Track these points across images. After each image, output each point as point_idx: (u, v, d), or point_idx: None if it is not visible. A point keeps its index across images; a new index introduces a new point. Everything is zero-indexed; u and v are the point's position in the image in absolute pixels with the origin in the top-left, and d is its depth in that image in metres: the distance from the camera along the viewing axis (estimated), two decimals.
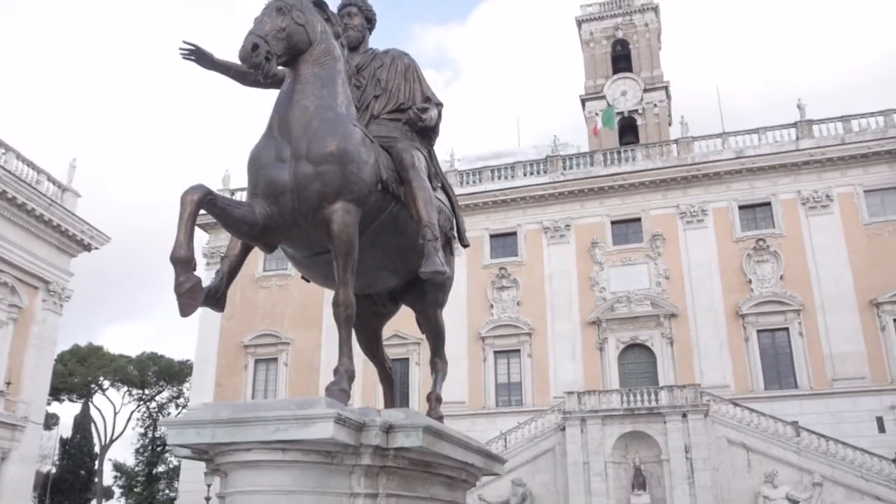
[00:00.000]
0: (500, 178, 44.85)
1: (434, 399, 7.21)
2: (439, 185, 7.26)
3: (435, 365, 7.52)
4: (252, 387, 42.82)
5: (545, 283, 41.99)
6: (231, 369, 43.24)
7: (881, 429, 35.02)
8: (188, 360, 61.78)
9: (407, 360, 42.62)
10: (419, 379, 41.96)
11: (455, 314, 41.48)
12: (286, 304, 43.86)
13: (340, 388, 5.66)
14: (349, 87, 6.48)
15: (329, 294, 6.39)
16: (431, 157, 7.16)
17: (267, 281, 44.59)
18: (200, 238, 47.33)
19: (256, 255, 44.89)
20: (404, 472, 5.51)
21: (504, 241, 43.69)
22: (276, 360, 43.25)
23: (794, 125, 41.01)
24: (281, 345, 43.33)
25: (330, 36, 6.33)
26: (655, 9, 56.73)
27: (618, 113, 51.68)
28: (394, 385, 7.72)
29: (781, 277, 38.67)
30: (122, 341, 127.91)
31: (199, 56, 6.67)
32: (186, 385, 63.31)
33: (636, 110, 53.79)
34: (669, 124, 54.60)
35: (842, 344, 36.69)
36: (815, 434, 33.08)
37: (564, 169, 43.92)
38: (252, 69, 5.75)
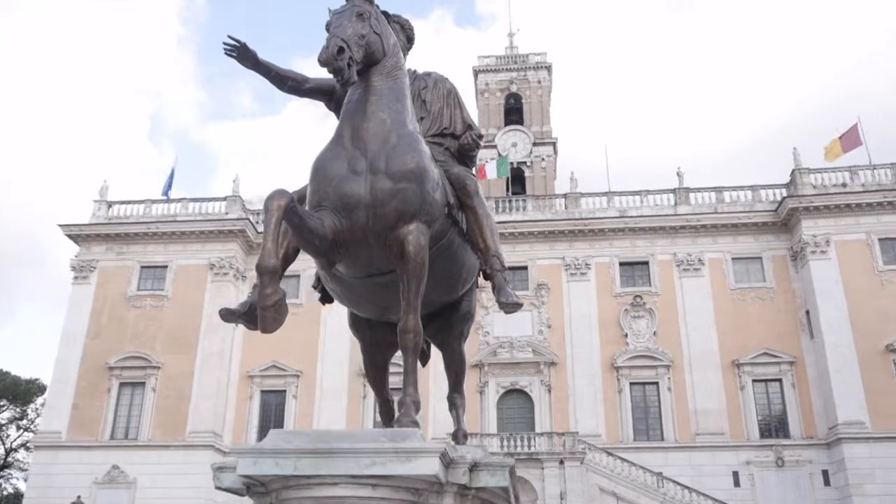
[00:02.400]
0: None
1: (462, 436, 7.05)
2: None
3: (454, 400, 7.35)
4: (115, 411, 40.10)
5: None
6: (92, 391, 40.38)
7: (736, 483, 37.20)
8: (38, 379, 57.30)
9: (284, 392, 41.54)
10: (294, 413, 40.88)
11: (339, 351, 40.92)
12: (159, 327, 41.60)
13: (412, 419, 5.44)
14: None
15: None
16: None
17: (140, 300, 42.23)
18: (70, 250, 44.44)
19: (130, 271, 42.66)
20: None
21: None
22: (143, 384, 40.78)
23: (673, 191, 43.61)
24: (150, 368, 40.97)
25: (399, 49, 6.22)
26: (549, 67, 59.18)
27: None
28: (393, 420, 7.52)
29: (655, 333, 40.66)
30: None
31: (242, 54, 6.39)
32: (33, 406, 58.48)
33: (525, 162, 55.55)
34: (555, 178, 56.73)
35: (705, 400, 38.88)
36: (679, 485, 34.82)
37: None
38: (333, 73, 5.50)
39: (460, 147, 6.85)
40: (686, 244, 42.21)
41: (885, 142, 65.82)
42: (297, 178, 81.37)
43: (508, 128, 56.95)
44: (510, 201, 45.77)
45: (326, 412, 40.26)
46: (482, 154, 56.17)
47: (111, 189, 45.03)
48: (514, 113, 58.20)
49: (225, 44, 6.31)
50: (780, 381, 39.19)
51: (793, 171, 41.72)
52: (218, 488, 5.21)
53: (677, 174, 44.13)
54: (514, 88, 58.46)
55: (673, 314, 40.94)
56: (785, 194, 41.32)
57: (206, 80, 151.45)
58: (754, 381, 39.39)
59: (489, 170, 46.85)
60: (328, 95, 6.84)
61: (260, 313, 5.13)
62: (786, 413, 38.74)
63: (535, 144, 56.02)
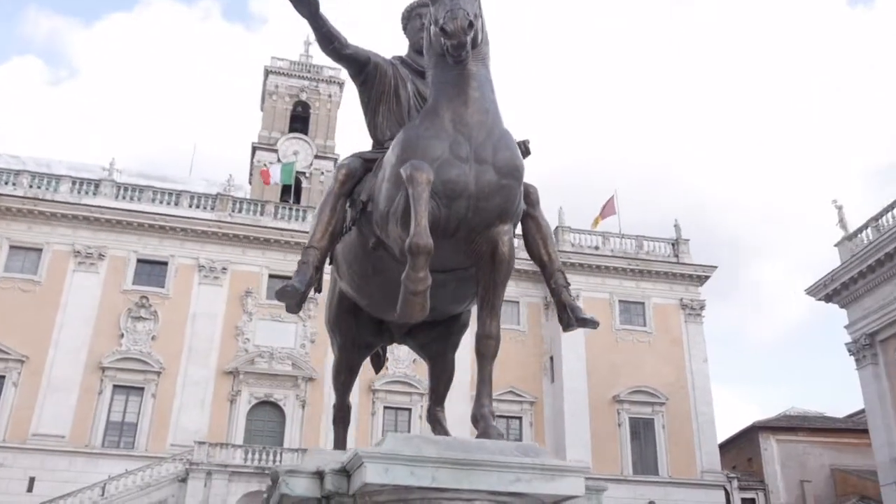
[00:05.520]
0: (162, 202, 41.83)
1: None
2: None
3: (437, 416, 6.95)
4: None
5: (188, 322, 39.59)
6: None
7: None
8: None
9: (3, 377, 36.60)
10: (12, 403, 36.09)
11: (77, 337, 37.18)
12: (26, 316, 36.49)
13: (499, 431, 5.01)
14: None
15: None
16: None
17: (8, 282, 36.69)
18: None
19: None
20: None
21: (151, 270, 40.42)
22: (2, 378, 35.83)
23: None
24: (12, 361, 36.03)
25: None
26: (341, 84, 59.01)
27: None
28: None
29: (414, 361, 41.34)
30: None
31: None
32: None
33: (304, 173, 54.57)
34: None
35: (452, 431, 40.27)
36: None
37: (233, 211, 42.64)
38: (454, 47, 5.02)
39: None
40: None
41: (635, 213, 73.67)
42: None
43: (293, 135, 55.79)
44: (291, 209, 44.69)
45: (51, 406, 35.98)
46: (262, 156, 54.69)
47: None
48: (299, 121, 57.18)
49: None
50: (520, 418, 41.90)
51: (556, 227, 45.31)
52: (284, 495, 4.38)
53: None
54: (303, 97, 57.51)
55: None
56: None
57: None
58: (498, 416, 41.58)
59: (274, 174, 45.48)
60: (360, 67, 6.38)
61: (408, 298, 4.54)
62: None
63: (316, 157, 55.36)
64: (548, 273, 5.88)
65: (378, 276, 5.88)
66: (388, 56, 6.63)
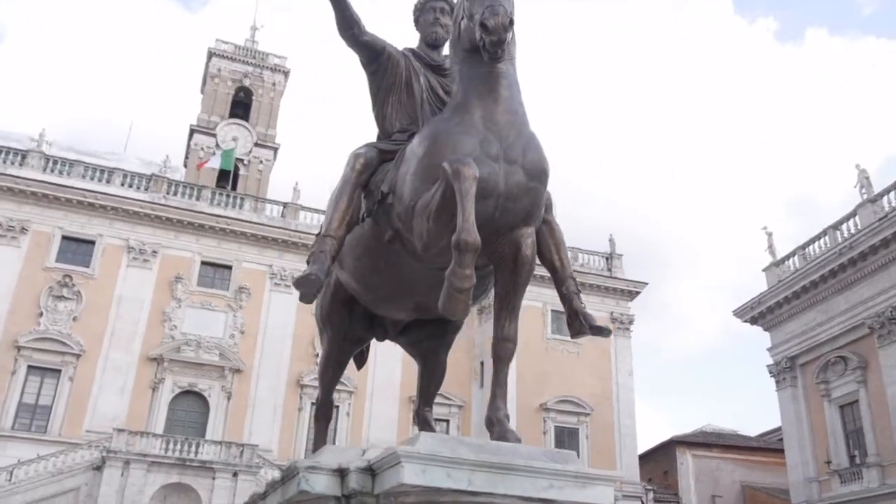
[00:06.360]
0: (93, 178, 40.27)
1: None
2: None
3: (425, 417, 6.78)
4: None
5: (113, 304, 38.18)
6: None
7: None
8: None
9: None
10: None
11: None
12: None
13: (516, 437, 4.87)
14: None
15: None
16: None
17: None
18: None
19: None
20: None
21: (77, 248, 38.84)
22: None
23: None
24: None
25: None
26: (286, 73, 58.07)
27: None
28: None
29: None
30: None
31: None
32: None
33: (242, 160, 53.43)
34: (268, 184, 55.26)
35: (379, 431, 39.99)
36: None
37: (168, 193, 41.37)
38: (493, 44, 4.92)
39: None
40: None
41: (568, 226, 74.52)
42: None
43: (233, 120, 54.47)
44: (228, 196, 43.62)
45: None
46: (199, 140, 53.33)
47: None
48: (241, 107, 55.91)
49: None
50: (448, 421, 41.89)
51: None
52: (303, 492, 4.14)
53: None
54: (246, 83, 56.25)
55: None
56: None
57: None
58: None
59: (212, 159, 44.31)
60: (375, 56, 6.20)
61: (453, 295, 4.38)
62: None
63: (256, 145, 54.25)
64: (559, 279, 5.76)
65: (390, 269, 5.73)
66: (400, 48, 6.49)
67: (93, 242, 39.06)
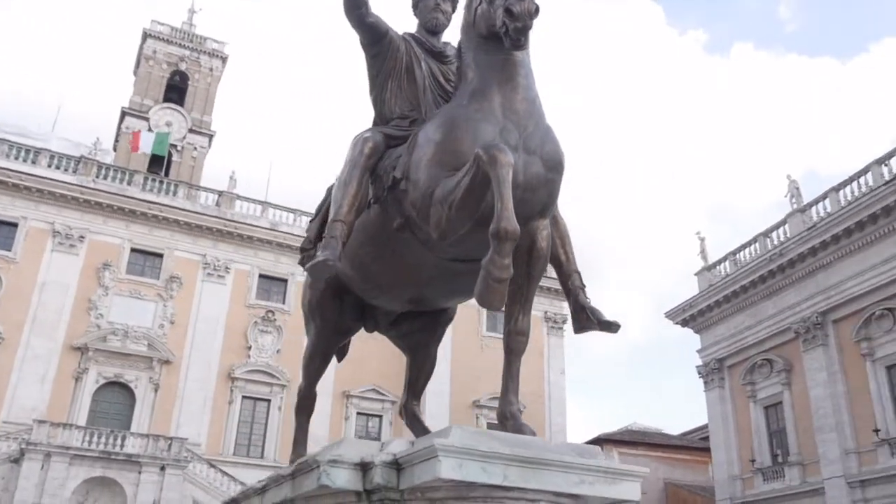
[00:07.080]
0: (17, 158, 38.49)
1: None
2: None
3: (413, 411, 6.63)
4: None
5: (35, 290, 36.57)
6: None
7: None
8: None
9: None
10: None
11: None
12: None
13: (531, 430, 4.73)
14: None
15: None
16: None
17: None
18: None
19: None
20: None
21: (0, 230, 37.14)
22: None
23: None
24: None
25: None
26: (224, 59, 56.73)
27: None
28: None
29: (278, 351, 40.48)
30: None
31: None
32: None
33: (175, 146, 51.93)
34: (202, 171, 53.88)
35: (315, 427, 39.44)
36: None
37: (97, 177, 39.85)
38: (517, 31, 4.80)
39: None
40: None
41: None
42: None
43: (167, 105, 52.92)
44: (161, 182, 42.29)
45: None
46: (131, 123, 51.61)
47: None
48: (176, 91, 54.34)
49: None
50: (381, 416, 41.67)
51: None
52: (323, 486, 3.91)
53: None
54: (182, 67, 54.70)
55: (300, 336, 41.15)
56: None
57: None
58: (358, 413, 41.32)
59: (145, 142, 42.94)
60: (378, 38, 6.03)
61: (491, 285, 4.21)
62: None
63: (191, 131, 52.83)
64: (564, 273, 5.68)
65: (395, 258, 5.55)
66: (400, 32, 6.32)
67: (15, 225, 37.35)
